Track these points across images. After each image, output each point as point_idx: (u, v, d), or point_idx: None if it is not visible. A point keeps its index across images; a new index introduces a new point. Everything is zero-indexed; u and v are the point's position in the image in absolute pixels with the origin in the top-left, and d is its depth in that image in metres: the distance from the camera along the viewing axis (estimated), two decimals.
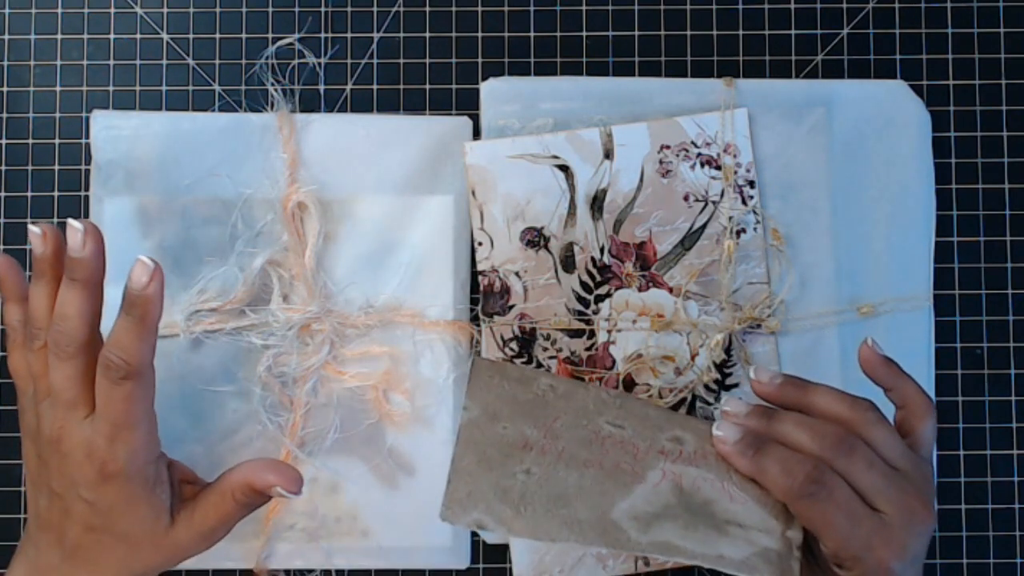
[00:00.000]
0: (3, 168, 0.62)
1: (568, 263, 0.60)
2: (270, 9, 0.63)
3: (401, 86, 0.63)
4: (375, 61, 0.63)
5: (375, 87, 0.63)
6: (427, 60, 0.63)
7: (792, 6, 0.63)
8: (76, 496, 0.47)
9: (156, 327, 0.47)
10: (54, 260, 0.49)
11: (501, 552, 0.61)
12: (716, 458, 0.49)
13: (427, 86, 0.63)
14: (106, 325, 0.49)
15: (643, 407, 0.51)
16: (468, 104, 0.62)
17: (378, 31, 0.63)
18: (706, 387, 0.60)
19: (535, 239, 0.60)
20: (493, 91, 0.61)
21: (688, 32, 0.63)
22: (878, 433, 0.47)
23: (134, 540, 0.47)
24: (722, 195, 0.60)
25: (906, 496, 0.45)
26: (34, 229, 0.49)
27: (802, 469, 0.45)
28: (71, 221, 0.47)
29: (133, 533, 0.47)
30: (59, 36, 0.63)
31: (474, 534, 0.60)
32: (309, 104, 0.62)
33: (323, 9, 0.63)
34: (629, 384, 0.60)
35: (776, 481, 0.46)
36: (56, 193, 0.62)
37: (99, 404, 0.46)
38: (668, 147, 0.60)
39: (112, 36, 0.63)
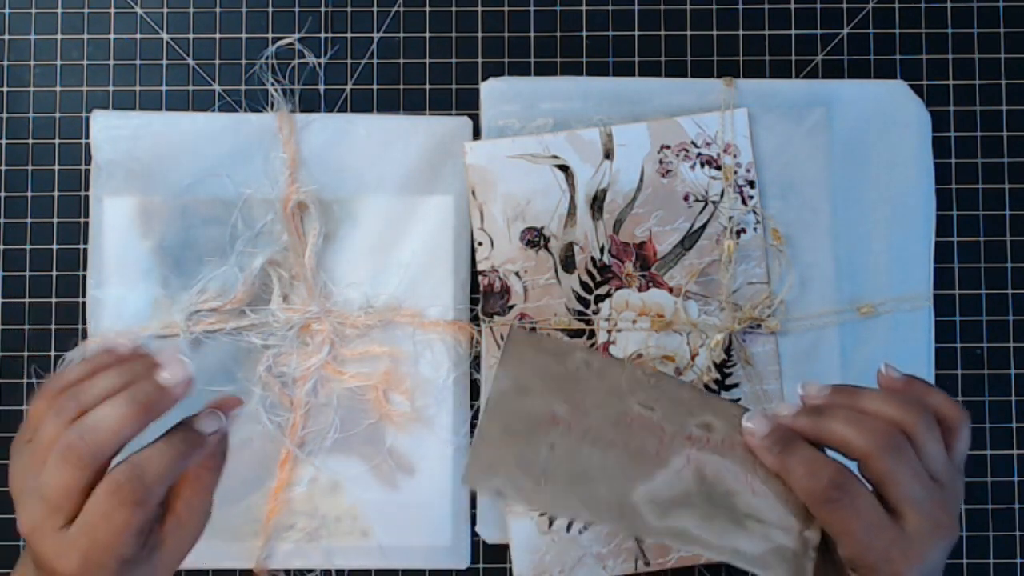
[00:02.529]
0: (3, 168, 0.62)
1: (568, 263, 0.60)
2: (270, 9, 0.63)
3: (401, 86, 0.63)
4: (375, 61, 0.63)
5: (375, 87, 0.63)
6: (427, 60, 0.63)
7: (792, 6, 0.63)
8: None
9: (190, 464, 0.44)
10: (150, 371, 0.44)
11: (501, 552, 0.61)
12: (743, 449, 0.49)
13: (427, 86, 0.63)
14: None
15: (678, 388, 0.50)
16: (468, 104, 0.62)
17: (378, 31, 0.63)
18: (706, 387, 0.60)
19: (535, 239, 0.60)
20: (493, 91, 0.61)
21: (688, 32, 0.63)
22: (926, 441, 0.46)
23: None
24: (722, 195, 0.60)
25: (937, 509, 0.45)
26: (185, 367, 0.45)
27: (827, 473, 0.45)
28: (180, 357, 0.44)
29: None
30: (59, 36, 0.63)
31: (474, 534, 0.60)
32: (309, 104, 0.62)
33: (323, 9, 0.63)
34: None
35: (800, 482, 0.45)
36: (56, 193, 0.62)
37: (87, 518, 0.42)
38: (668, 147, 0.60)
39: (112, 36, 0.63)
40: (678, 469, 0.48)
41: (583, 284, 0.60)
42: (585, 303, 0.60)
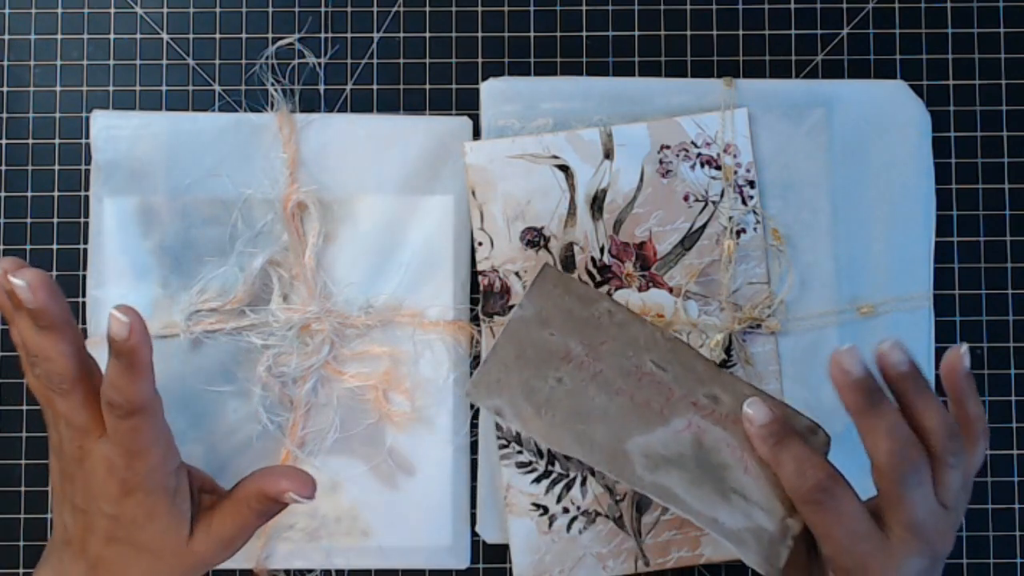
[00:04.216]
0: (3, 168, 0.62)
1: (568, 263, 0.60)
2: (270, 9, 0.63)
3: (401, 86, 0.63)
4: (375, 61, 0.63)
5: (375, 87, 0.63)
6: (427, 60, 0.63)
7: (792, 6, 0.63)
8: (99, 510, 0.47)
9: (149, 365, 0.46)
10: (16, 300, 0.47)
11: (501, 552, 0.61)
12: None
13: (427, 86, 0.63)
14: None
15: (693, 358, 0.51)
16: (468, 104, 0.62)
17: (378, 31, 0.63)
18: None
19: (535, 239, 0.60)
20: (493, 91, 0.61)
21: (688, 32, 0.63)
22: (949, 475, 0.45)
23: (155, 552, 0.47)
24: (722, 195, 0.60)
25: (936, 533, 0.45)
26: (119, 315, 0.46)
27: (815, 475, 0.45)
28: (14, 273, 0.45)
29: (154, 545, 0.47)
30: (59, 36, 0.63)
31: (474, 534, 0.60)
32: (309, 104, 0.62)
33: (323, 9, 0.63)
34: None
35: (788, 478, 0.46)
36: (56, 193, 0.62)
37: (109, 432, 0.46)
38: (668, 147, 0.60)
39: (112, 36, 0.63)
40: (678, 430, 0.49)
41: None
42: None
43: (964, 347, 0.48)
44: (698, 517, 0.48)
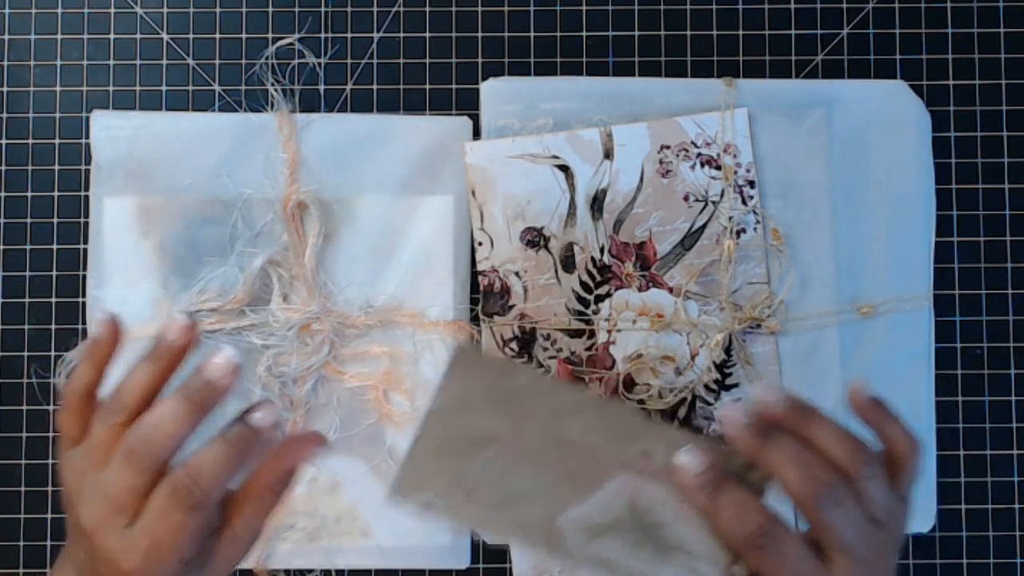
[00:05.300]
0: (3, 168, 0.62)
1: (568, 263, 0.60)
2: (270, 9, 0.63)
3: (401, 86, 0.63)
4: (375, 61, 0.63)
5: (375, 87, 0.63)
6: (427, 60, 0.63)
7: (792, 6, 0.63)
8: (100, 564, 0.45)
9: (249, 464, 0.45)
10: (179, 354, 0.45)
11: (501, 552, 0.61)
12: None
13: (427, 86, 0.63)
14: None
15: (621, 414, 0.49)
16: (468, 104, 0.62)
17: (378, 31, 0.63)
18: (706, 387, 0.60)
19: (535, 239, 0.60)
20: (493, 91, 0.61)
21: (688, 32, 0.63)
22: (869, 487, 0.45)
23: None
24: (722, 195, 0.60)
25: (870, 551, 0.45)
26: (181, 318, 0.45)
27: (755, 520, 0.44)
28: (224, 348, 0.44)
29: None
30: (59, 36, 0.63)
31: (474, 534, 0.60)
32: (309, 104, 0.62)
33: (323, 9, 0.63)
34: (629, 384, 0.60)
35: (728, 525, 0.45)
36: (56, 193, 0.62)
37: (148, 518, 0.43)
38: (668, 147, 0.60)
39: (112, 36, 0.63)
40: (612, 494, 0.47)
41: (583, 284, 0.60)
42: (585, 303, 0.60)
43: (858, 382, 0.48)
44: None
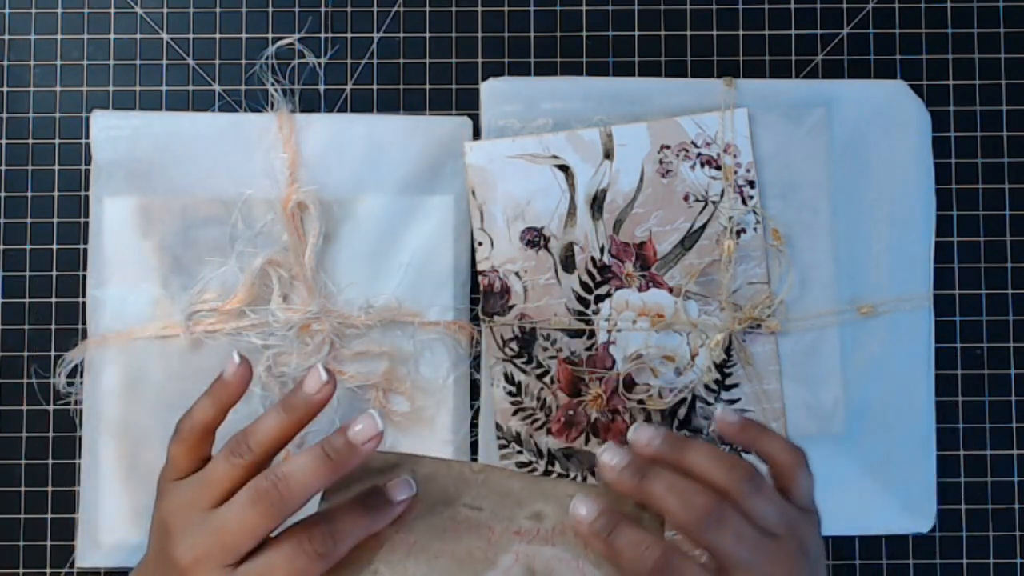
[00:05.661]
0: (3, 168, 0.62)
1: (568, 263, 0.60)
2: (270, 9, 0.63)
3: (401, 86, 0.63)
4: (375, 61, 0.63)
5: (375, 87, 0.63)
6: (427, 60, 0.63)
7: (792, 6, 0.63)
8: None
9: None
10: (316, 408, 0.46)
11: None
12: (574, 533, 0.47)
13: (427, 86, 0.63)
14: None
15: (507, 479, 0.49)
16: (468, 104, 0.62)
17: (378, 31, 0.63)
18: (706, 387, 0.60)
19: (535, 239, 0.60)
20: (493, 91, 0.61)
21: (688, 32, 0.63)
22: (754, 502, 0.45)
23: None
24: (722, 195, 0.60)
25: (772, 563, 0.45)
26: (321, 372, 0.45)
27: (652, 554, 0.44)
28: (373, 415, 0.45)
29: None
30: (59, 36, 0.63)
31: None
32: (309, 104, 0.62)
33: (323, 9, 0.63)
34: (629, 384, 0.60)
35: (629, 565, 0.45)
36: (56, 193, 0.62)
37: (271, 561, 0.43)
38: (668, 147, 0.60)
39: (112, 36, 0.63)
40: (506, 568, 0.47)
41: (583, 284, 0.60)
42: (585, 303, 0.60)
43: (719, 409, 0.49)
44: None
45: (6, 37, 0.63)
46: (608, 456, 0.46)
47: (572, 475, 0.59)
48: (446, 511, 0.48)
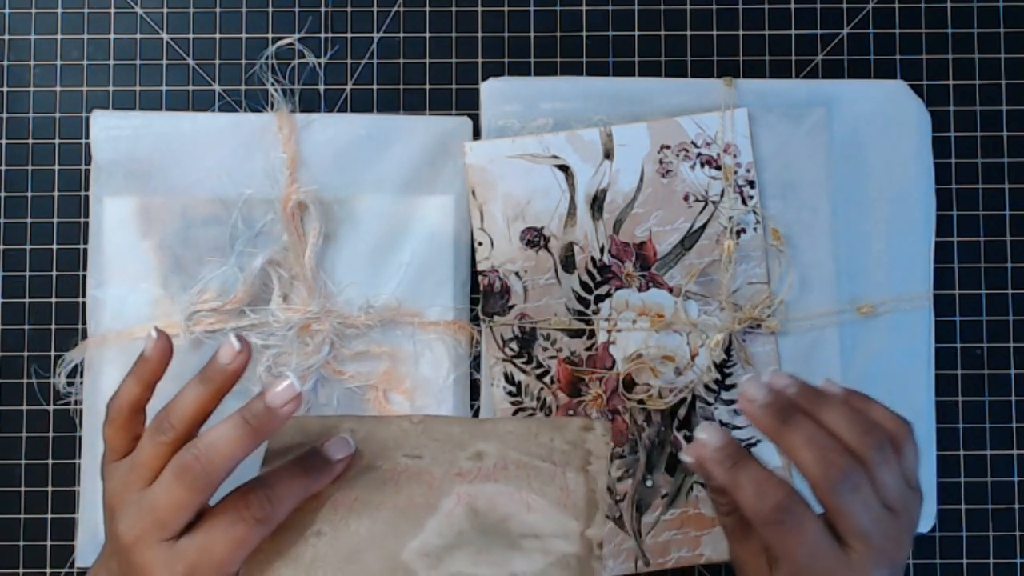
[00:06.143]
0: (3, 168, 0.62)
1: (568, 263, 0.60)
2: (270, 9, 0.63)
3: (401, 86, 0.63)
4: (375, 61, 0.63)
5: (375, 87, 0.63)
6: (427, 60, 0.63)
7: (792, 6, 0.63)
8: None
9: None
10: (231, 378, 0.46)
11: None
12: (516, 467, 0.47)
13: (427, 86, 0.63)
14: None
15: (447, 425, 0.49)
16: (468, 104, 0.62)
17: (378, 31, 0.63)
18: (706, 387, 0.60)
19: (535, 239, 0.60)
20: (493, 91, 0.61)
21: (688, 32, 0.63)
22: (882, 472, 0.44)
23: None
24: (722, 195, 0.60)
25: (887, 539, 0.44)
26: (233, 341, 0.46)
27: (775, 494, 0.44)
28: (287, 375, 0.45)
29: None
30: (59, 36, 0.63)
31: None
32: (309, 104, 0.62)
33: (323, 9, 0.63)
34: (629, 384, 0.60)
35: (747, 500, 0.44)
36: (56, 193, 0.62)
37: (209, 533, 0.44)
38: (668, 147, 0.60)
39: (112, 36, 0.63)
40: (449, 510, 0.46)
41: (583, 284, 0.60)
42: (585, 303, 0.60)
43: (823, 380, 0.47)
44: None
45: (6, 37, 0.63)
46: (753, 390, 0.45)
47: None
48: (386, 464, 0.48)
